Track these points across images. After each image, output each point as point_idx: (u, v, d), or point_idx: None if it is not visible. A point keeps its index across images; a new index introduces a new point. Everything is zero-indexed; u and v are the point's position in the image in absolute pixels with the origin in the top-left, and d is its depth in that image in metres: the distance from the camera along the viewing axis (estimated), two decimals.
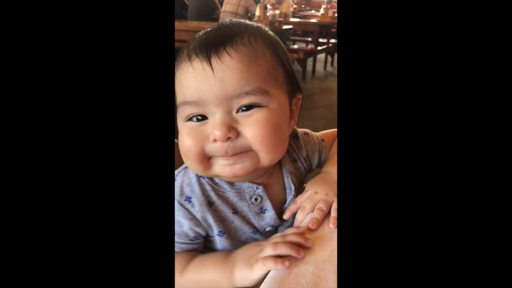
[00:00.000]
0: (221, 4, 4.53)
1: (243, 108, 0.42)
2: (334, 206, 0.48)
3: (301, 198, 0.50)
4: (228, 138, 0.41)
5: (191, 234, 0.48)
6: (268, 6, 3.25)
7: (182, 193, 0.47)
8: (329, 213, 0.47)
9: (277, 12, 3.37)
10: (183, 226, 0.47)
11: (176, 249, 0.48)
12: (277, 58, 0.46)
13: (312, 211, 0.48)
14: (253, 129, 0.41)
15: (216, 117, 0.42)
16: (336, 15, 4.84)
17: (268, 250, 0.40)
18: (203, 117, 0.43)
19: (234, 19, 0.48)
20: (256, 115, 0.42)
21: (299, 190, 0.55)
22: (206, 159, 0.43)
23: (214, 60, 0.41)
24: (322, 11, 4.69)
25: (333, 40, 4.99)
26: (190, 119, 0.44)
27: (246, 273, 0.41)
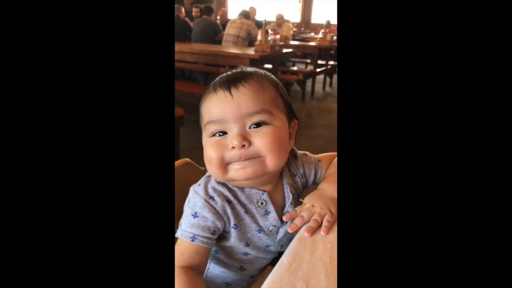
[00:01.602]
0: (224, 27, 4.73)
1: (254, 125, 0.55)
2: (326, 217, 0.59)
3: (300, 209, 0.62)
4: (243, 146, 0.54)
5: (213, 227, 0.58)
6: (269, 31, 3.42)
7: (207, 193, 0.59)
8: (321, 223, 0.58)
9: (278, 36, 3.54)
10: (207, 220, 0.58)
11: (198, 242, 0.57)
12: (277, 92, 0.60)
13: (309, 220, 0.59)
14: (262, 139, 0.54)
15: (234, 131, 0.55)
16: (334, 38, 5.04)
17: None
18: (223, 133, 0.56)
19: (247, 67, 0.63)
20: (264, 130, 0.55)
21: (296, 200, 0.66)
22: (224, 165, 0.56)
23: (233, 90, 0.55)
24: (321, 35, 4.88)
25: (331, 62, 5.17)
26: (214, 135, 0.57)
27: None
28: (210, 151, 0.56)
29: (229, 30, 4.34)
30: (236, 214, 0.60)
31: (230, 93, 0.55)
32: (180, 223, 0.59)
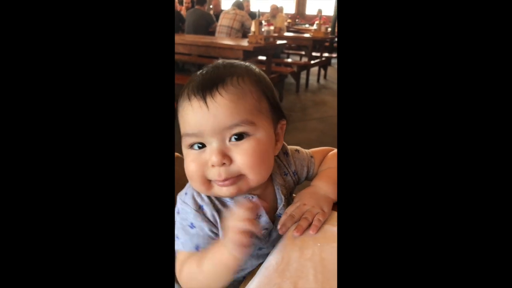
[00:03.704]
0: (217, 18, 4.66)
1: (235, 137, 0.51)
2: (317, 216, 0.56)
3: (290, 209, 0.59)
4: (223, 164, 0.50)
5: (212, 234, 0.56)
6: (263, 22, 3.36)
7: (195, 202, 0.56)
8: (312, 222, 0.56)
9: (272, 28, 3.48)
10: (203, 228, 0.55)
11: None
12: (262, 93, 0.55)
13: (299, 219, 0.56)
14: (242, 157, 0.50)
15: (212, 146, 0.50)
16: (329, 30, 4.99)
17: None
18: (202, 145, 0.52)
19: (226, 60, 0.57)
20: (245, 144, 0.50)
21: (288, 199, 0.63)
22: (207, 181, 0.52)
23: (208, 100, 0.49)
24: (315, 26, 4.84)
25: (326, 54, 5.14)
26: (192, 147, 0.53)
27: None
28: (191, 167, 0.52)
29: (223, 21, 4.28)
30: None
31: (206, 103, 0.49)
32: (176, 235, 0.56)
